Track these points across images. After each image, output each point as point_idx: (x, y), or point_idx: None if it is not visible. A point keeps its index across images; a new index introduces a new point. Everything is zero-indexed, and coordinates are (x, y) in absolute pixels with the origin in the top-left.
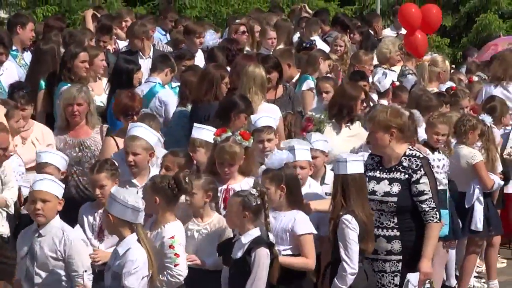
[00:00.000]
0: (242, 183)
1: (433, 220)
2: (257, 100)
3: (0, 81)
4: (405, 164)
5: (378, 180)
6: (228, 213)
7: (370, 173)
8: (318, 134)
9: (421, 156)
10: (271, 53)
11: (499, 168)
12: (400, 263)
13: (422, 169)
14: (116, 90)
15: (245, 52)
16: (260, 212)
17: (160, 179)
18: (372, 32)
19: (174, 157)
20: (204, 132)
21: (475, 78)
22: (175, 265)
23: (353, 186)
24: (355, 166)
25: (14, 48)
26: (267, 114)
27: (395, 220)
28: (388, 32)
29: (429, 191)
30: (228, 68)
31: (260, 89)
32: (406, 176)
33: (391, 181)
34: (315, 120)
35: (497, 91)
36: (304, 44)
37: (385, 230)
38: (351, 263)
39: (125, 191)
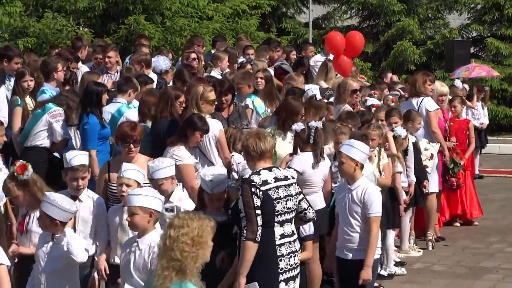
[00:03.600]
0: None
1: (242, 238)
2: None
3: None
4: None
5: None
6: None
7: None
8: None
9: (245, 177)
10: (221, 75)
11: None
12: None
13: (240, 189)
14: (87, 109)
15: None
16: None
17: None
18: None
19: None
20: None
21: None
22: None
23: None
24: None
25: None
26: (81, 153)
27: (238, 232)
28: (318, 58)
29: (243, 210)
30: None
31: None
32: (239, 194)
33: (237, 198)
34: None
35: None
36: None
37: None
38: None
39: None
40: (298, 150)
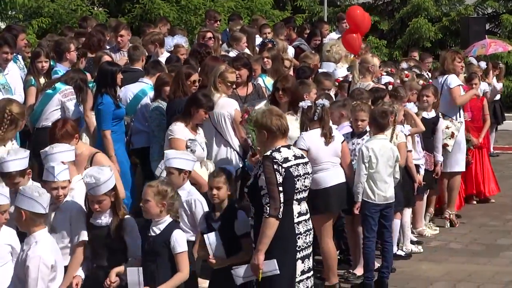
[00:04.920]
0: None
1: (264, 215)
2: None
3: (6, 79)
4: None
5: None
6: None
7: None
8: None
9: (267, 155)
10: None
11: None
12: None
13: (261, 166)
14: (101, 89)
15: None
16: None
17: None
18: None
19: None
20: None
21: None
22: None
23: None
24: None
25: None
26: (65, 167)
27: (253, 210)
28: (333, 35)
29: (265, 187)
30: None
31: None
32: (257, 171)
33: (254, 175)
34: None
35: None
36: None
37: (250, 219)
38: None
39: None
40: (308, 127)
